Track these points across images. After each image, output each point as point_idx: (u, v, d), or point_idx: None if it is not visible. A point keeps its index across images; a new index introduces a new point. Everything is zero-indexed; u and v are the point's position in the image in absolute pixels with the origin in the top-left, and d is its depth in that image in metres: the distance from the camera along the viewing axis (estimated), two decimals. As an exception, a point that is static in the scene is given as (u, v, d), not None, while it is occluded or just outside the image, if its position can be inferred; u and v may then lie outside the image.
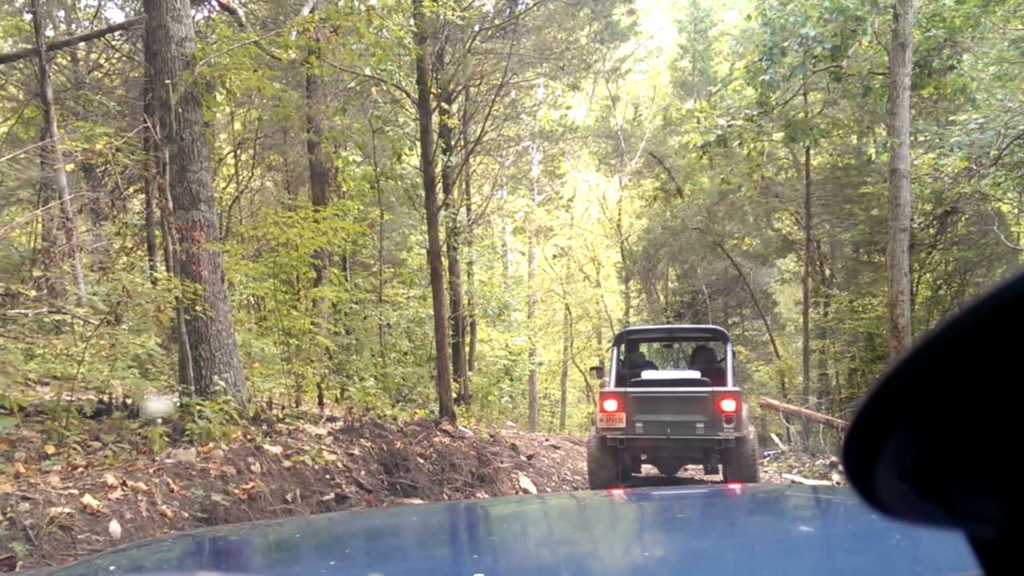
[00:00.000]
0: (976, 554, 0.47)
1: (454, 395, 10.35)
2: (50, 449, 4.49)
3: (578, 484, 8.60)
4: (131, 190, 11.84)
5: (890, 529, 1.29)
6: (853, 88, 12.79)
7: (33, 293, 5.97)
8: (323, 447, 5.79)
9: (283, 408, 7.46)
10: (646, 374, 7.91)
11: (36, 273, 6.99)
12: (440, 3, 8.75)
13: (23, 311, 6.22)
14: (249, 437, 5.36)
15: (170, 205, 5.93)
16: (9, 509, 3.59)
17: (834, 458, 10.61)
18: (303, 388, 8.16)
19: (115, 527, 3.82)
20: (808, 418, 13.05)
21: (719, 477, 7.81)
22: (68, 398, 5.07)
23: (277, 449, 5.39)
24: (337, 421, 7.11)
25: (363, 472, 5.90)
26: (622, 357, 8.81)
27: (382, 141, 10.75)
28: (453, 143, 13.23)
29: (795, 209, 18.28)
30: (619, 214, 23.25)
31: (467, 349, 14.96)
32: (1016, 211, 15.30)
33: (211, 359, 5.91)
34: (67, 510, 3.71)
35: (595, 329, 25.06)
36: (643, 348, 9.71)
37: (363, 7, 7.40)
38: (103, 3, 13.63)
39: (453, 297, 13.04)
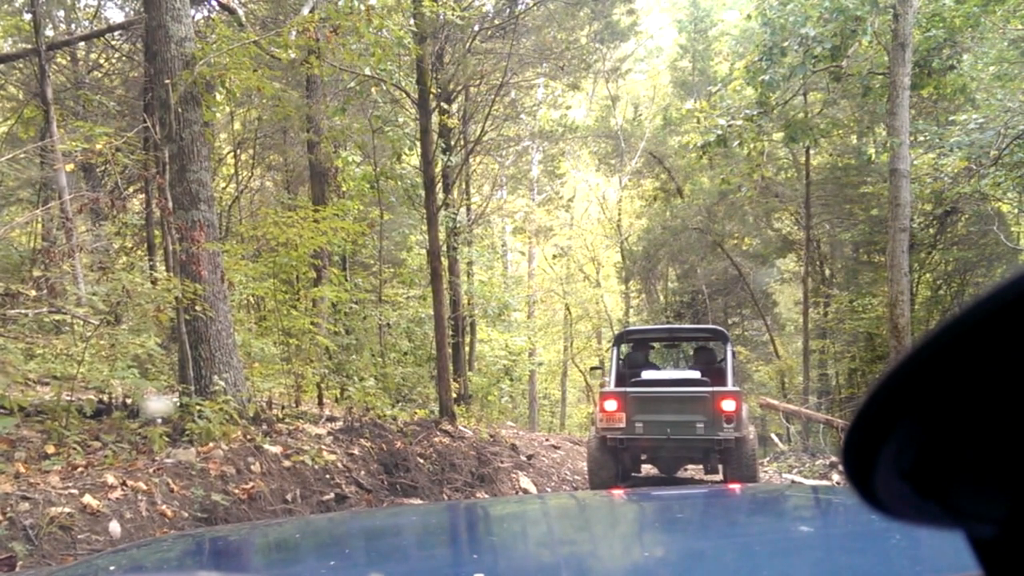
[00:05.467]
0: (976, 554, 0.47)
1: (454, 395, 10.34)
2: (50, 449, 4.49)
3: (578, 484, 8.60)
4: (131, 190, 11.84)
5: (890, 529, 1.29)
6: (853, 88, 12.79)
7: (33, 293, 5.97)
8: (323, 447, 5.79)
9: (283, 408, 7.46)
10: (646, 374, 7.91)
11: (36, 273, 6.99)
12: (440, 3, 8.75)
13: (23, 311, 6.22)
14: (249, 437, 5.36)
15: (170, 205, 5.93)
16: (9, 509, 3.59)
17: (834, 458, 10.61)
18: (303, 388, 8.16)
19: (115, 527, 3.82)
20: (808, 418, 13.05)
21: (719, 477, 7.81)
22: (68, 398, 5.07)
23: (277, 449, 5.39)
24: (337, 421, 7.11)
25: (363, 472, 5.90)
26: (622, 357, 8.81)
27: (382, 141, 10.75)
28: (453, 143, 13.23)
29: (795, 209, 18.28)
30: (619, 214, 23.25)
31: (467, 349, 14.96)
32: (1016, 211, 15.30)
33: (211, 359, 5.91)
34: (67, 510, 3.71)
35: (595, 329, 25.05)
36: (643, 348, 9.71)
37: (363, 7, 7.40)
38: (103, 3, 13.64)
39: (453, 297, 13.04)
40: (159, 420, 5.22)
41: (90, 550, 3.55)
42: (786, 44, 10.87)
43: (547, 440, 12.32)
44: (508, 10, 12.65)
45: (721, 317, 21.03)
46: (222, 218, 11.94)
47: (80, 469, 4.29)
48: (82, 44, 11.98)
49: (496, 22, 12.62)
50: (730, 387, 7.46)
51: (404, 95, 10.87)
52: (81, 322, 6.44)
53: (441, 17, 9.37)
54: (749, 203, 17.92)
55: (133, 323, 6.26)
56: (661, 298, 23.28)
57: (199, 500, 4.37)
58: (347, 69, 9.53)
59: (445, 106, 12.55)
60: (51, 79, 9.14)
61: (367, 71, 9.03)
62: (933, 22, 11.17)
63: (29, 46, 9.92)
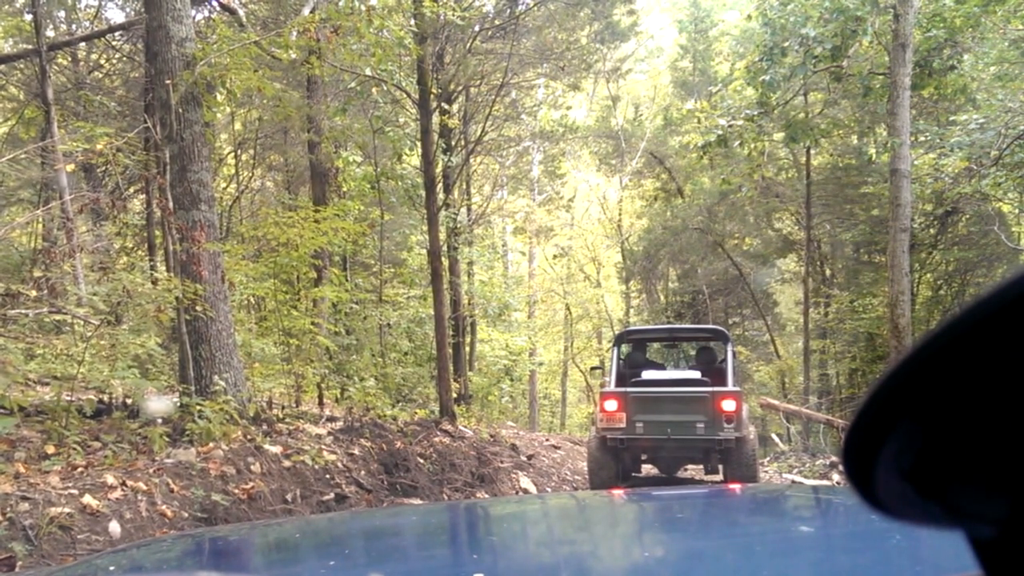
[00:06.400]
0: (976, 554, 0.47)
1: (454, 395, 10.34)
2: (50, 449, 4.49)
3: (578, 484, 8.59)
4: (131, 190, 11.84)
5: (890, 529, 1.29)
6: (853, 88, 12.78)
7: (33, 293, 5.97)
8: (323, 447, 5.79)
9: (283, 408, 7.46)
10: (646, 374, 7.91)
11: (36, 273, 7.00)
12: (440, 3, 8.75)
13: (23, 311, 6.22)
14: (249, 437, 5.36)
15: (170, 205, 5.93)
16: (9, 509, 3.59)
17: (834, 458, 10.61)
18: (303, 388, 8.16)
19: (115, 527, 3.82)
20: (808, 418, 13.05)
21: (719, 477, 7.80)
22: (68, 398, 5.07)
23: (277, 449, 5.39)
24: (337, 421, 7.11)
25: (363, 472, 5.90)
26: (622, 357, 8.81)
27: (382, 141, 10.75)
28: (453, 143, 13.23)
29: (795, 209, 18.28)
30: (619, 214, 23.24)
31: (467, 349, 14.96)
32: (1017, 211, 15.29)
33: (211, 359, 5.91)
34: (67, 510, 3.71)
35: (595, 329, 25.05)
36: (643, 348, 9.72)
37: (363, 7, 7.40)
38: (103, 3, 13.64)
39: (453, 297, 13.04)
40: (159, 420, 5.22)
41: (90, 550, 3.55)
42: (786, 44, 10.87)
43: (547, 440, 12.32)
44: (508, 10, 12.66)
45: (721, 317, 21.02)
46: (222, 218, 11.94)
47: (80, 469, 4.29)
48: (83, 44, 11.98)
49: (496, 22, 12.63)
50: (730, 387, 7.46)
51: (405, 95, 10.88)
52: (81, 322, 6.44)
53: (441, 17, 9.37)
54: (750, 203, 17.92)
55: (133, 323, 6.26)
56: (661, 298, 23.27)
57: (199, 500, 4.37)
58: (348, 69, 9.53)
59: (446, 106, 12.55)
60: (52, 79, 9.14)
61: (368, 71, 9.03)
62: (934, 22, 11.16)
63: (30, 46, 9.93)
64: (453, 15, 9.07)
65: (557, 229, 23.06)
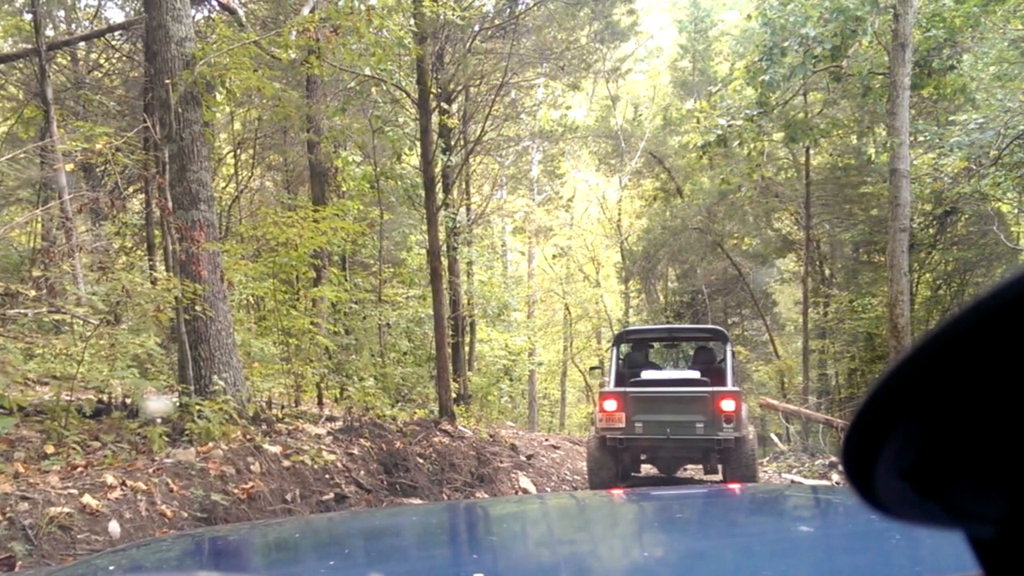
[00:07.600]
0: (976, 554, 0.47)
1: (454, 395, 10.34)
2: (49, 449, 4.49)
3: (578, 484, 8.60)
4: (131, 190, 11.84)
5: (890, 529, 1.29)
6: (853, 88, 12.79)
7: (33, 293, 5.97)
8: (322, 447, 5.79)
9: (282, 408, 7.46)
10: (646, 374, 7.91)
11: (36, 273, 6.99)
12: (440, 3, 8.75)
13: (23, 311, 6.21)
14: (248, 437, 5.36)
15: (170, 205, 5.93)
16: (8, 509, 3.59)
17: (834, 458, 10.61)
18: (302, 388, 8.16)
19: (114, 527, 3.82)
20: (808, 418, 13.05)
21: (719, 477, 7.81)
22: (67, 398, 5.07)
23: (276, 449, 5.39)
24: (336, 421, 7.11)
25: (363, 472, 5.90)
26: (622, 357, 8.81)
27: (382, 141, 10.75)
28: (453, 143, 13.23)
29: (795, 209, 18.29)
30: (619, 214, 23.24)
31: (467, 349, 14.96)
32: (1016, 211, 15.29)
33: (210, 359, 5.91)
34: (66, 510, 3.71)
35: (595, 329, 25.04)
36: (643, 348, 9.71)
37: (363, 7, 7.40)
38: (103, 3, 13.64)
39: (453, 297, 13.04)
40: (159, 420, 5.22)
41: (89, 550, 3.55)
42: (786, 44, 10.87)
43: (547, 440, 12.32)
44: (508, 10, 12.65)
45: (721, 317, 21.02)
46: (222, 218, 11.94)
47: (79, 469, 4.29)
48: (82, 44, 11.98)
49: (496, 22, 12.62)
50: (730, 387, 7.46)
51: (404, 95, 10.88)
52: (81, 322, 6.44)
53: (441, 17, 9.37)
54: (749, 203, 17.93)
55: (133, 323, 6.26)
56: (661, 298, 23.27)
57: (199, 500, 4.37)
58: (347, 69, 9.53)
59: (445, 106, 12.55)
60: (51, 79, 9.14)
61: (367, 71, 9.03)
62: (933, 22, 11.17)
63: (29, 46, 9.93)
64: (453, 15, 9.07)
65: (556, 229, 23.06)
